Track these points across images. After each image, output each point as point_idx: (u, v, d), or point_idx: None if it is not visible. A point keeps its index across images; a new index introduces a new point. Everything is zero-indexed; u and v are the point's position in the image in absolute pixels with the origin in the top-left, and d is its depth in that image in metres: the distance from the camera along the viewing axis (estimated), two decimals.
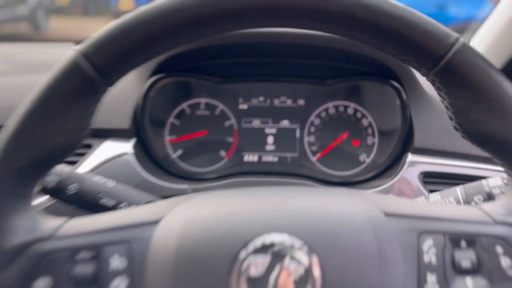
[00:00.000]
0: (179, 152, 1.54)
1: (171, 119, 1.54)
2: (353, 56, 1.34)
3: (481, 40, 1.41)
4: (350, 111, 1.56)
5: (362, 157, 1.54)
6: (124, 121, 1.36)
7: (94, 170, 1.30)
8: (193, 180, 1.44)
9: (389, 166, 1.42)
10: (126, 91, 1.40)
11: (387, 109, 1.47)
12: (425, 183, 1.22)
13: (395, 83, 1.38)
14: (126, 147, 1.35)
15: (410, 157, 1.36)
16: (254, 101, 1.57)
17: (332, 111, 1.56)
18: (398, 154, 1.41)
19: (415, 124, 1.37)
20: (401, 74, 1.36)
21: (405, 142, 1.40)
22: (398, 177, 1.33)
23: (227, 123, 1.56)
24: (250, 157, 1.55)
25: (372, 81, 1.43)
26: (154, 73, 1.37)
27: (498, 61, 1.30)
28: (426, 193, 1.19)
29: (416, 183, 1.31)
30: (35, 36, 11.29)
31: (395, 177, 1.34)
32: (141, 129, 1.38)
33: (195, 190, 1.35)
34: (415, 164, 1.25)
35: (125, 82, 1.42)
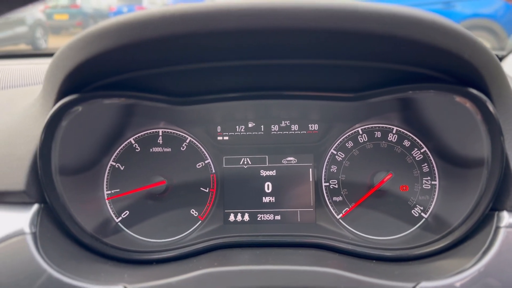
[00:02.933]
0: (124, 214, 0.98)
1: (109, 162, 0.99)
2: (401, 50, 0.76)
3: None
4: (392, 137, 0.98)
5: (416, 210, 0.96)
6: (16, 177, 0.81)
7: None
8: (142, 263, 0.88)
9: (470, 231, 0.83)
10: (21, 127, 0.85)
11: (460, 134, 0.88)
12: None
13: (477, 92, 0.79)
14: (21, 220, 0.79)
15: (508, 217, 0.78)
16: (240, 129, 1.01)
17: (363, 138, 0.99)
18: (484, 211, 0.82)
19: None
20: (489, 76, 0.77)
21: (496, 192, 0.80)
22: (490, 255, 0.75)
23: (199, 165, 1.00)
24: (238, 217, 0.99)
25: (431, 91, 0.84)
26: (65, 93, 0.81)
27: None
28: None
29: None
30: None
31: (483, 253, 0.75)
32: (47, 187, 0.82)
33: None
34: None
35: (21, 112, 0.88)
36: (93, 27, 0.72)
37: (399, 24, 0.67)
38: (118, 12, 13.13)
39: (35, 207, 0.82)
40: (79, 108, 0.82)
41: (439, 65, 0.79)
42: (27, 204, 0.82)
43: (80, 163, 0.92)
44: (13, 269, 0.75)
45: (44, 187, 0.82)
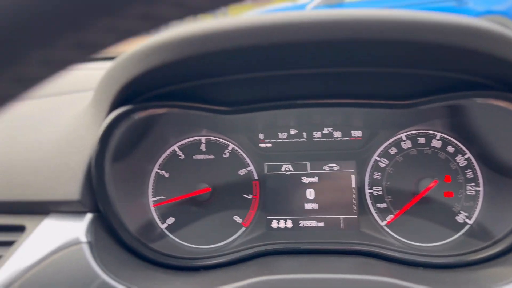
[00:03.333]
0: (170, 221, 0.99)
1: (154, 170, 1.00)
2: (454, 57, 0.76)
3: None
4: (436, 143, 0.98)
5: (461, 216, 0.96)
6: (71, 187, 0.82)
7: (25, 273, 0.77)
8: (190, 269, 0.89)
9: None
10: (73, 136, 0.87)
11: (507, 140, 0.88)
12: None
13: None
14: (76, 229, 0.81)
15: None
16: (283, 136, 1.01)
17: (407, 145, 0.99)
18: None
19: None
20: None
21: None
22: None
23: (242, 172, 1.01)
24: (280, 223, 1.00)
25: (477, 97, 0.84)
26: (117, 103, 0.83)
27: None
28: None
29: None
30: None
31: None
32: (101, 196, 0.84)
33: None
34: None
35: (71, 121, 0.90)
36: (151, 40, 0.73)
37: (460, 34, 0.67)
38: None
39: (89, 216, 0.83)
40: (131, 118, 0.83)
41: (491, 72, 0.79)
42: (80, 213, 0.84)
43: (128, 172, 0.94)
44: (70, 278, 0.77)
45: (98, 196, 0.83)
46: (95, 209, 0.85)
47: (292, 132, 1.01)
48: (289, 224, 1.00)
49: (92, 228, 0.82)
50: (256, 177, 1.01)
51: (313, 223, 0.99)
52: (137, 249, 0.87)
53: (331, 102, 0.89)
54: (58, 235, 0.81)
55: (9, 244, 0.82)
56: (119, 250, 0.87)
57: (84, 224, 0.82)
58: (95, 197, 0.84)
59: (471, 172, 0.97)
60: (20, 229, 0.84)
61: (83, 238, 0.80)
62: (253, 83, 0.87)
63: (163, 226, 1.00)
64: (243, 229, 1.00)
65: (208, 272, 0.90)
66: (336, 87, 0.91)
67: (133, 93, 0.83)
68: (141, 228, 0.95)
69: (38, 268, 0.77)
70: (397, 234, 0.97)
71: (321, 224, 0.99)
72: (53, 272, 0.77)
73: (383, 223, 0.98)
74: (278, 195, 1.01)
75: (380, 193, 0.99)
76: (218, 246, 0.98)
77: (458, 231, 0.96)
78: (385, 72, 0.86)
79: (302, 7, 5.97)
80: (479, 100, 0.85)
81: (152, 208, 1.00)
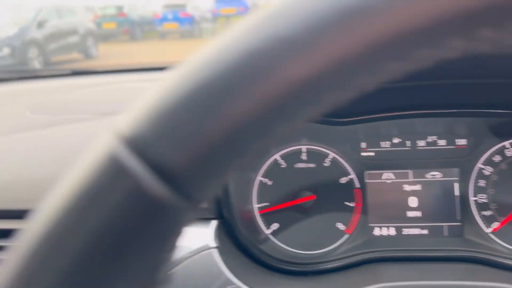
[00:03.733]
0: (274, 227, 1.04)
1: (258, 178, 1.04)
2: None
3: None
4: None
5: None
6: None
7: None
8: (300, 274, 0.93)
9: None
10: None
11: None
12: None
13: None
14: (205, 235, 0.87)
15: None
16: (385, 145, 1.03)
17: (511, 152, 0.99)
18: None
19: None
20: None
21: None
22: None
23: (343, 180, 1.04)
24: (383, 231, 1.02)
25: None
26: None
27: None
28: None
29: None
30: (87, 63, 11.51)
31: None
32: (225, 203, 0.89)
33: None
34: None
35: None
36: None
37: None
38: (163, 19, 13.54)
39: (215, 222, 0.89)
40: None
41: None
42: (205, 220, 0.90)
43: (240, 180, 0.99)
44: (203, 282, 0.82)
45: (223, 204, 0.89)
46: (219, 216, 0.90)
47: (395, 141, 1.03)
48: (392, 231, 1.02)
49: (218, 233, 0.88)
50: (357, 185, 1.04)
51: (416, 231, 1.01)
52: (254, 253, 0.92)
53: (444, 112, 0.91)
54: (189, 241, 0.86)
55: None
56: (239, 254, 0.92)
57: (211, 230, 0.87)
58: (218, 205, 0.90)
59: None
60: None
61: (212, 243, 0.85)
62: (368, 94, 0.90)
63: (268, 232, 1.04)
64: (346, 236, 1.03)
65: (319, 278, 0.93)
66: (443, 97, 0.93)
67: None
68: (252, 233, 1.00)
69: (172, 273, 0.83)
70: (503, 241, 0.97)
71: (425, 231, 1.01)
72: (187, 276, 0.83)
73: (488, 230, 0.99)
74: (380, 203, 1.03)
75: (485, 200, 0.99)
76: (323, 252, 1.02)
77: None
78: (494, 82, 0.87)
79: None
80: None
81: (257, 214, 1.05)
